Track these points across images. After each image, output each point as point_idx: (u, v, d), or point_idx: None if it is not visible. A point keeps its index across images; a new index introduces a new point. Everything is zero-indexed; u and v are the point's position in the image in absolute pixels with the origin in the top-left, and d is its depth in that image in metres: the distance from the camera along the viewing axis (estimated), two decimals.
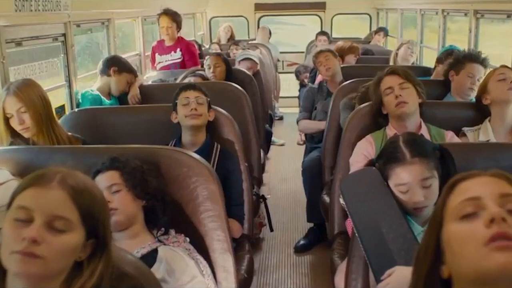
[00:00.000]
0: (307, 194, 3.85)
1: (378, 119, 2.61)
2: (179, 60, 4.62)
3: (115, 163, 1.83)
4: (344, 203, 1.85)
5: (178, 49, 4.63)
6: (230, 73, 4.07)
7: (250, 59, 4.82)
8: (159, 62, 4.64)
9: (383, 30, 7.45)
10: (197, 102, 2.55)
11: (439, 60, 3.81)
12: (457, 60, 3.20)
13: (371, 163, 1.93)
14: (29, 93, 2.30)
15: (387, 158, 1.82)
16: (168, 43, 4.63)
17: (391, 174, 1.78)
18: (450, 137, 2.51)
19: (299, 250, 3.82)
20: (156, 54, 4.66)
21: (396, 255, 1.60)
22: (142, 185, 1.81)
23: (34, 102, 2.30)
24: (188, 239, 1.87)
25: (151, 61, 4.74)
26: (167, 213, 1.86)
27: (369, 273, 1.73)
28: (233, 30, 7.61)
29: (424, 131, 2.49)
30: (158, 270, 1.67)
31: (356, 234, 1.72)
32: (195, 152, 2.19)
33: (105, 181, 1.79)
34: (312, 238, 3.87)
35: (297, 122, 4.19)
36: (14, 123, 2.31)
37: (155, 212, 1.84)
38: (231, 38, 7.41)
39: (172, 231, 1.86)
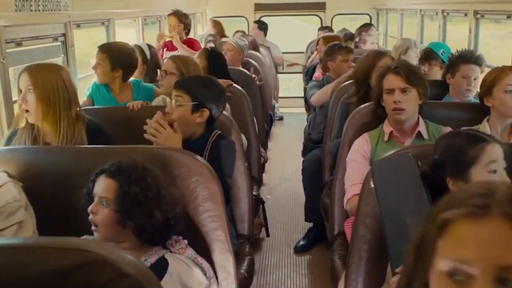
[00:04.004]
0: (306, 194, 3.85)
1: (377, 109, 2.60)
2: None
3: (118, 174, 1.69)
4: (373, 186, 1.79)
5: None
6: (221, 68, 3.76)
7: (225, 42, 4.82)
8: (165, 58, 4.68)
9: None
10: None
11: (419, 61, 3.86)
12: (452, 63, 3.19)
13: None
14: (44, 74, 2.19)
15: (468, 141, 1.74)
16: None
17: (480, 153, 1.70)
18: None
19: (299, 250, 3.82)
20: (165, 50, 4.76)
21: None
22: (132, 211, 1.66)
23: (45, 84, 2.17)
24: (186, 242, 1.83)
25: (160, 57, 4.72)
26: (175, 227, 1.76)
27: (376, 270, 1.70)
28: (221, 24, 6.93)
29: (421, 128, 2.49)
30: (170, 281, 1.64)
31: (381, 220, 1.67)
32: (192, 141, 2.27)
33: (101, 189, 1.70)
34: (312, 238, 3.86)
35: (309, 99, 4.10)
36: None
37: (166, 230, 1.74)
38: (221, 34, 6.66)
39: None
